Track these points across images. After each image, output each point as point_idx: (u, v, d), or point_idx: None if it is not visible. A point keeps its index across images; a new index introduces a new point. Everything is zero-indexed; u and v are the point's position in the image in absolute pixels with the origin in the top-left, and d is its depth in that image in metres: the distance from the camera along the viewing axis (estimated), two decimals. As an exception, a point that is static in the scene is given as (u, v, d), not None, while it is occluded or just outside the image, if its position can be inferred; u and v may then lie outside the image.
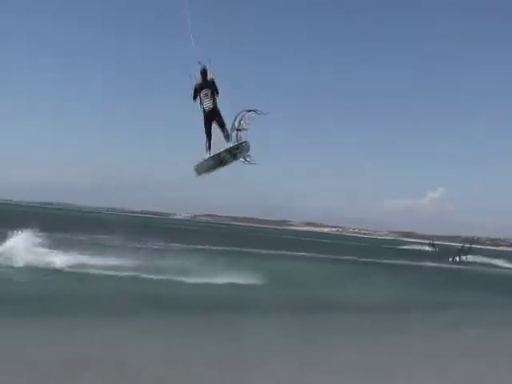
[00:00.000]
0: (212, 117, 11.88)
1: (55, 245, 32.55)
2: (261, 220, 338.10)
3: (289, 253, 54.19)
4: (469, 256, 74.55)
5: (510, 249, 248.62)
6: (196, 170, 11.71)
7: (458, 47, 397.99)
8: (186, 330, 16.48)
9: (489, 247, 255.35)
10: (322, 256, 54.29)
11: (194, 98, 11.75)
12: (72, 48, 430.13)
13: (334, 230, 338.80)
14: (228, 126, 11.87)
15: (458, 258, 72.00)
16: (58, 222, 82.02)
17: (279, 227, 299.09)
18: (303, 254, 54.59)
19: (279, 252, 54.47)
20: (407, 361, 14.51)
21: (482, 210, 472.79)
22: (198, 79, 11.70)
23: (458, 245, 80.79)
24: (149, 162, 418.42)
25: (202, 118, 11.85)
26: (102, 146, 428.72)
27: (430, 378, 13.26)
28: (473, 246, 79.33)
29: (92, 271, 26.59)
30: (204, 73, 11.76)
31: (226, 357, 13.70)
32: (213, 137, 11.85)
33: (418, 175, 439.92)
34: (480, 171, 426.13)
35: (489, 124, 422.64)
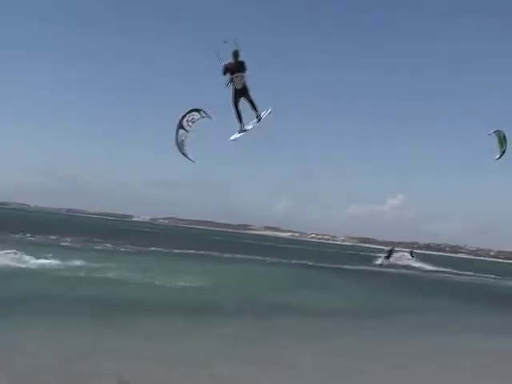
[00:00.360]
0: (242, 94, 14.20)
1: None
2: (221, 224, 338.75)
3: (247, 256, 54.01)
4: (392, 259, 75.21)
5: (468, 256, 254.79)
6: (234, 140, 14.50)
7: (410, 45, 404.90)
8: (135, 330, 16.11)
9: (448, 254, 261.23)
10: (279, 260, 54.39)
11: (224, 73, 13.88)
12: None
13: (295, 234, 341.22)
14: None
15: (383, 261, 72.09)
16: (9, 222, 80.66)
17: (239, 231, 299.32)
18: (261, 257, 54.49)
19: (237, 255, 54.27)
20: (362, 365, 14.37)
21: (442, 217, 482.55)
22: (230, 59, 13.71)
23: (387, 248, 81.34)
24: (109, 162, 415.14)
25: (232, 94, 14.17)
26: (60, 146, 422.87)
27: (386, 381, 13.19)
28: (395, 249, 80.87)
29: (40, 271, 26.05)
30: (235, 55, 13.70)
31: (174, 357, 13.50)
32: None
33: (379, 181, 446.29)
34: (440, 177, 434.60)
35: (449, 129, 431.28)
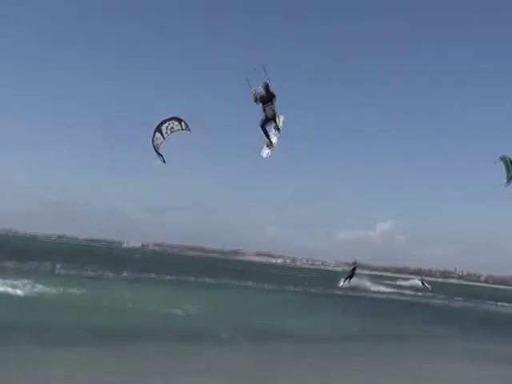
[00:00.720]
0: (270, 120, 16.40)
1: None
2: (212, 249, 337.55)
3: (238, 282, 54.18)
4: (352, 280, 71.24)
5: (458, 281, 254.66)
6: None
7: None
8: (130, 357, 16.24)
9: (439, 279, 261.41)
10: (270, 287, 54.49)
11: (255, 101, 16.03)
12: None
13: (286, 260, 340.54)
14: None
15: (345, 283, 69.05)
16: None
17: (230, 257, 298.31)
18: (252, 284, 54.64)
19: (229, 281, 54.42)
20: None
21: (432, 242, 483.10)
22: (261, 92, 15.89)
23: (348, 269, 79.00)
24: (99, 188, 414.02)
25: (262, 119, 16.43)
26: (49, 171, 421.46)
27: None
28: (356, 271, 74.05)
29: (35, 299, 26.12)
30: (267, 87, 15.80)
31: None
32: None
33: (369, 207, 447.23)
34: (430, 203, 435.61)
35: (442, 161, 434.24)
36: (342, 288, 64.62)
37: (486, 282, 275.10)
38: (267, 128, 16.79)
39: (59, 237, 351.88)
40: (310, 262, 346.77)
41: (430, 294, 77.43)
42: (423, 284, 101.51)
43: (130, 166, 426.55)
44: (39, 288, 29.33)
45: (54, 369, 14.04)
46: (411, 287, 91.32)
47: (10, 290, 27.88)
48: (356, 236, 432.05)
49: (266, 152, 17.00)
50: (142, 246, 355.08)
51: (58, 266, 51.70)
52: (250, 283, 54.61)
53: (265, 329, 24.03)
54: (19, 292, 27.57)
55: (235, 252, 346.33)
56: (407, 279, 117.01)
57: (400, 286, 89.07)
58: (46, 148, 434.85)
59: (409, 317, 36.55)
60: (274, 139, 16.82)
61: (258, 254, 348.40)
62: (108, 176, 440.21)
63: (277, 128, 16.63)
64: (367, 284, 73.41)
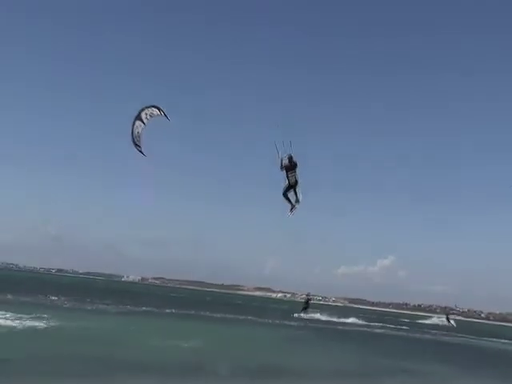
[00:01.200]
0: (291, 187, 19.24)
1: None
2: (211, 284, 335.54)
3: (237, 317, 54.11)
4: (309, 310, 72.86)
5: (459, 317, 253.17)
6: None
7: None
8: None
9: (439, 315, 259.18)
10: (269, 321, 54.28)
11: (281, 169, 18.94)
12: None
13: (286, 295, 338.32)
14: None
15: (302, 314, 70.09)
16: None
17: (230, 291, 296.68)
18: (252, 318, 54.46)
19: (228, 316, 54.37)
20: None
21: (433, 278, 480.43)
22: (286, 162, 18.80)
23: (303, 301, 78.58)
24: (98, 221, 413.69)
25: (285, 187, 19.25)
26: (48, 206, 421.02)
27: None
28: (310, 302, 78.38)
29: (35, 332, 26.25)
30: (290, 158, 18.74)
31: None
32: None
33: (369, 242, 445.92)
34: (430, 239, 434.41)
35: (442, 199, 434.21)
36: (335, 322, 65.96)
37: (487, 318, 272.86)
38: (289, 195, 19.54)
39: (59, 270, 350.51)
40: (309, 297, 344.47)
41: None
42: (448, 321, 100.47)
43: (129, 201, 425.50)
44: (42, 321, 29.52)
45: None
46: (434, 325, 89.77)
47: (11, 322, 28.09)
48: (356, 271, 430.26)
49: (289, 214, 19.87)
50: (142, 279, 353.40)
51: (61, 298, 51.90)
52: (250, 317, 54.45)
53: (264, 364, 24.11)
54: (18, 324, 27.77)
55: (235, 287, 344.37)
56: (429, 317, 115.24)
57: (421, 325, 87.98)
58: (45, 182, 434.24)
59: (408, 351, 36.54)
60: (298, 199, 19.65)
61: (258, 289, 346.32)
62: (107, 210, 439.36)
63: (297, 201, 19.52)
64: (318, 315, 74.24)
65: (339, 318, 72.93)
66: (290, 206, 19.53)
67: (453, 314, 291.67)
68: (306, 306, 73.06)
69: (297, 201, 19.36)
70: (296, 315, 68.62)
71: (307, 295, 79.07)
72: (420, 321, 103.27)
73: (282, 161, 18.72)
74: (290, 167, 19.04)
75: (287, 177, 19.02)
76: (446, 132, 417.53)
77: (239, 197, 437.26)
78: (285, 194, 19.40)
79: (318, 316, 72.93)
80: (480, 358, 40.70)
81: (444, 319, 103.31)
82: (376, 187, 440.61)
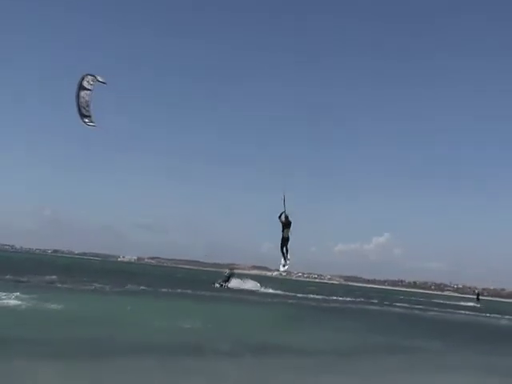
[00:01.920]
0: (286, 241, 23.68)
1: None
2: (207, 263, 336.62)
3: (235, 295, 54.34)
4: (232, 281, 74.58)
5: (453, 294, 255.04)
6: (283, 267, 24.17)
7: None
8: (135, 371, 16.34)
9: (434, 292, 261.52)
10: (265, 300, 54.48)
11: (279, 218, 23.36)
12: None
13: (282, 273, 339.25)
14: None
15: (222, 284, 71.75)
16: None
17: (226, 270, 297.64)
18: (248, 297, 54.69)
19: (225, 295, 54.60)
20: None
21: (428, 255, 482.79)
22: (283, 218, 23.26)
23: (226, 271, 79.17)
24: (95, 204, 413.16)
25: (281, 240, 23.72)
26: (45, 187, 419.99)
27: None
28: (234, 272, 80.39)
29: (34, 312, 26.24)
30: (287, 217, 23.12)
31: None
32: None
33: (365, 220, 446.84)
34: (425, 215, 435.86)
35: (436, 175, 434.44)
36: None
37: (482, 294, 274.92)
38: (283, 251, 23.87)
39: (54, 251, 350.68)
40: (305, 275, 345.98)
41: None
42: (478, 299, 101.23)
43: (124, 182, 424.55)
44: (39, 301, 29.50)
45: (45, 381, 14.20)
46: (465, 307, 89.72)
47: (11, 302, 28.09)
48: (352, 249, 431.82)
49: (281, 268, 24.59)
50: (138, 259, 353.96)
51: (58, 279, 51.96)
52: (245, 296, 54.66)
53: (264, 342, 24.17)
54: (16, 304, 27.75)
55: (231, 265, 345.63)
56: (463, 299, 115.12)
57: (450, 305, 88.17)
58: (41, 163, 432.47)
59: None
60: (286, 262, 24.20)
61: (254, 268, 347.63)
62: (103, 192, 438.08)
63: (288, 260, 24.07)
64: (250, 285, 77.39)
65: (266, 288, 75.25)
66: (283, 261, 24.21)
67: (447, 290, 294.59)
68: (228, 279, 74.45)
69: (287, 260, 24.06)
70: (217, 285, 71.10)
71: (230, 269, 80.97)
72: (454, 302, 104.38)
73: (281, 215, 23.42)
74: (286, 224, 23.54)
75: (282, 231, 23.69)
76: (445, 111, 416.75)
77: (236, 178, 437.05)
78: (281, 249, 24.10)
79: (242, 285, 75.63)
80: (477, 334, 40.98)
81: (473, 302, 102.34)
82: (371, 164, 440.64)
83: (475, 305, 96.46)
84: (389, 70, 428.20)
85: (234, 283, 74.70)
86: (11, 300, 28.94)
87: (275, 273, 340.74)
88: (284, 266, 24.18)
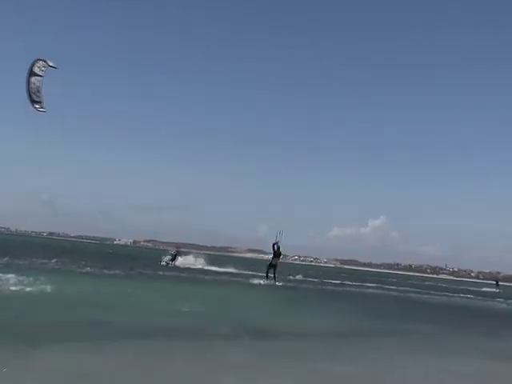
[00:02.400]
0: (274, 266, 35.74)
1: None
2: (203, 246, 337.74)
3: (231, 278, 54.32)
4: (179, 259, 76.31)
5: (449, 277, 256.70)
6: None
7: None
8: (138, 355, 16.15)
9: (429, 275, 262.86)
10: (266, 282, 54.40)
11: (273, 246, 36.07)
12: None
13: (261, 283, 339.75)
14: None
15: (168, 263, 72.92)
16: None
17: (222, 253, 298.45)
18: (243, 280, 54.63)
19: (221, 278, 54.58)
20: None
21: (424, 239, 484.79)
22: (276, 249, 35.38)
23: (172, 250, 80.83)
24: (91, 187, 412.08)
25: (269, 264, 37.26)
26: (41, 170, 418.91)
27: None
28: (181, 250, 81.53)
29: (32, 295, 26.08)
30: (278, 248, 34.74)
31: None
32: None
33: (361, 203, 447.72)
34: (421, 198, 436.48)
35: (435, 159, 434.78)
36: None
37: (477, 277, 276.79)
38: (269, 274, 30.53)
39: (50, 234, 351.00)
40: (301, 259, 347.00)
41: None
42: (497, 285, 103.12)
43: (121, 166, 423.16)
44: (35, 284, 29.39)
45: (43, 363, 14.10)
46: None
47: (6, 286, 27.96)
48: (348, 233, 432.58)
49: (262, 282, 32.50)
50: (134, 242, 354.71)
51: (55, 262, 51.98)
52: (240, 279, 54.61)
53: (263, 326, 24.14)
54: (13, 287, 27.63)
55: (227, 248, 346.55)
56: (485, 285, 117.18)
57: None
58: (38, 147, 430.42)
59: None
60: (268, 281, 31.71)
61: (250, 251, 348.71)
62: (99, 175, 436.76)
63: (275, 281, 32.05)
64: (197, 262, 79.26)
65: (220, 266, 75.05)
66: (265, 279, 31.18)
67: (443, 273, 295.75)
68: (174, 257, 75.83)
69: (270, 281, 32.47)
70: (163, 263, 72.08)
71: (176, 247, 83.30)
72: (478, 288, 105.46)
73: (274, 246, 31.71)
74: (277, 255, 29.79)
75: (272, 258, 30.49)
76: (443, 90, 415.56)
77: (234, 158, 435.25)
78: (267, 272, 31.86)
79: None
80: (475, 317, 41.14)
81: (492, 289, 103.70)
82: (366, 146, 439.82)
83: (496, 290, 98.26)
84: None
85: (181, 261, 76.25)
86: (6, 283, 28.83)
87: (271, 255, 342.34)
88: (263, 282, 29.81)
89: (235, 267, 77.26)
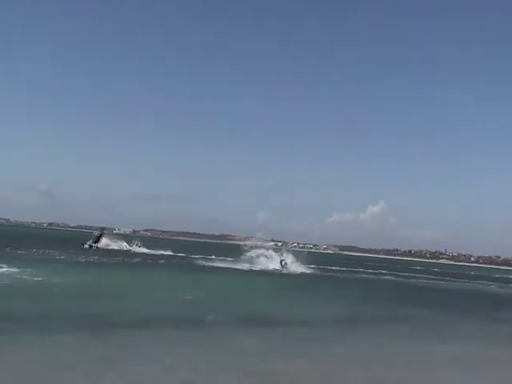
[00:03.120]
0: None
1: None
2: (202, 234, 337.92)
3: (231, 266, 54.45)
4: (102, 241, 78.14)
5: (448, 262, 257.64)
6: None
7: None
8: (139, 343, 16.14)
9: (429, 260, 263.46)
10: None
11: (280, 263, 58.07)
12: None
13: (277, 243, 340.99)
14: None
15: (91, 245, 73.68)
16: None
17: (221, 241, 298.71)
18: (241, 268, 54.62)
19: (222, 265, 54.69)
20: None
21: (423, 224, 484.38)
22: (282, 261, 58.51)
23: (96, 232, 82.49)
24: (90, 177, 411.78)
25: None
26: (40, 160, 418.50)
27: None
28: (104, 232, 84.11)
29: (34, 286, 26.14)
30: (285, 264, 57.86)
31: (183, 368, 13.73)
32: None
33: (360, 189, 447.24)
34: (419, 184, 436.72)
35: (433, 144, 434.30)
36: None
37: (477, 262, 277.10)
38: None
39: (50, 224, 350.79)
40: (301, 245, 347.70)
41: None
42: None
43: (120, 155, 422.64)
44: (40, 275, 29.43)
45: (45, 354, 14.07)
46: None
47: (9, 275, 28.00)
48: (347, 219, 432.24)
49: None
50: (133, 231, 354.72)
51: (56, 252, 52.00)
52: (238, 267, 54.57)
53: (265, 312, 24.16)
54: (17, 277, 27.63)
55: (226, 236, 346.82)
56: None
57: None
58: (36, 137, 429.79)
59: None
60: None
61: (249, 239, 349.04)
62: (97, 164, 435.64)
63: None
64: (119, 244, 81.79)
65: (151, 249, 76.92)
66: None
67: (443, 258, 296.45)
68: (97, 240, 77.69)
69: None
70: (86, 246, 72.64)
71: (101, 230, 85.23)
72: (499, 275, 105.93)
73: (281, 262, 54.32)
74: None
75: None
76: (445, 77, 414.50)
77: (234, 148, 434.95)
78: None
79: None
80: (476, 302, 41.31)
81: None
82: (365, 132, 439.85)
83: None
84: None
85: (104, 243, 77.85)
86: (10, 273, 28.88)
87: (271, 243, 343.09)
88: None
89: (173, 251, 78.78)
